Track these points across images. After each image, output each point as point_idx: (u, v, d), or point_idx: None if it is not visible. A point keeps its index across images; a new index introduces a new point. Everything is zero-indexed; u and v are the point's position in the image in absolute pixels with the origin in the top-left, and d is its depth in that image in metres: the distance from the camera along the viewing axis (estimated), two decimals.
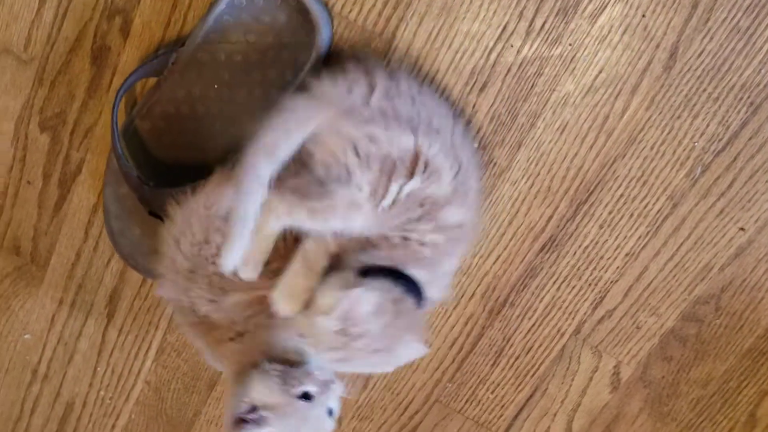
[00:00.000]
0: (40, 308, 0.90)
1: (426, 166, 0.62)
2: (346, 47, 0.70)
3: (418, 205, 0.63)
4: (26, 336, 0.92)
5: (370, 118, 0.62)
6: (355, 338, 0.60)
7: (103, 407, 0.94)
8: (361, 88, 0.63)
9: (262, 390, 0.62)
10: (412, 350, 0.64)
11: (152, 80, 0.74)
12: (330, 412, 0.65)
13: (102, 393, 0.93)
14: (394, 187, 0.62)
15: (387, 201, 0.62)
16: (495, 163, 0.72)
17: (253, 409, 0.62)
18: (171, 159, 0.75)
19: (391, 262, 0.63)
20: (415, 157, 0.62)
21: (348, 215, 0.62)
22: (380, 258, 0.63)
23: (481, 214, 0.73)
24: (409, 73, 0.70)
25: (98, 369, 0.92)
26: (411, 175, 0.62)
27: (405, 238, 0.64)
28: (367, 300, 0.59)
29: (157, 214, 0.73)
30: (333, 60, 0.70)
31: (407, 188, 0.62)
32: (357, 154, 0.61)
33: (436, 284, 0.66)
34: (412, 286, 0.63)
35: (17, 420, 0.98)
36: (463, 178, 0.65)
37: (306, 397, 0.62)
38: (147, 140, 0.75)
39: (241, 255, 0.61)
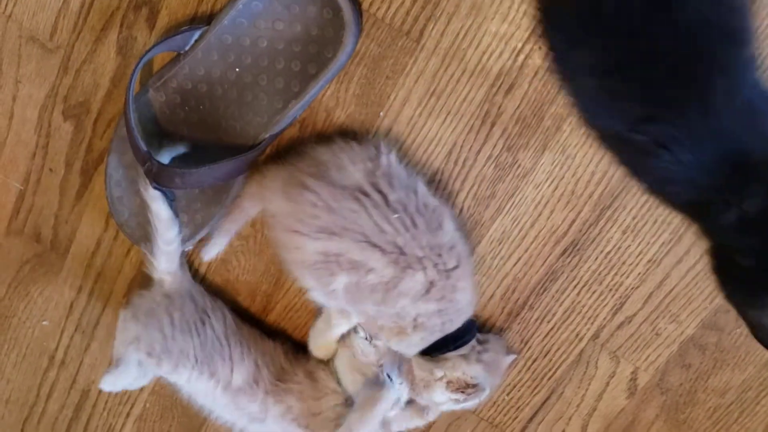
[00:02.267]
0: (58, 295, 0.90)
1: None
2: (373, 48, 0.70)
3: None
4: (44, 322, 0.93)
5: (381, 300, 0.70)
6: None
7: (119, 396, 0.95)
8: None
9: None
10: None
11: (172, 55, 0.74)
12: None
13: None
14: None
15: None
16: (519, 165, 0.72)
17: None
18: (181, 136, 0.75)
19: None
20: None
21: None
22: None
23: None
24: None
25: None
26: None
27: None
28: None
29: (160, 189, 0.73)
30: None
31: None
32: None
33: None
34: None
35: (33, 405, 0.98)
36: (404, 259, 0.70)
37: None
38: (159, 113, 0.75)
39: None
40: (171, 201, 0.75)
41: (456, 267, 0.71)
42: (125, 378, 0.79)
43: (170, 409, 0.94)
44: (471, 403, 0.76)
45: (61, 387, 0.96)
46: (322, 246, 0.68)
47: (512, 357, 0.80)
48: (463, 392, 0.74)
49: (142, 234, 0.78)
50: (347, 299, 0.71)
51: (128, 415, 0.96)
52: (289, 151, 0.75)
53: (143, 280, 0.86)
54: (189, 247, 0.79)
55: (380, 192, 0.68)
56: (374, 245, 0.67)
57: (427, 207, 0.70)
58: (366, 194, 0.68)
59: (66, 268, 0.88)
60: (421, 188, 0.71)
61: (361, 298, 0.70)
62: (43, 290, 0.91)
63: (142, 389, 0.93)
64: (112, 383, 0.79)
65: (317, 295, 0.73)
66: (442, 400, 0.76)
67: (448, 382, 0.74)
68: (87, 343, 0.92)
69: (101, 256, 0.86)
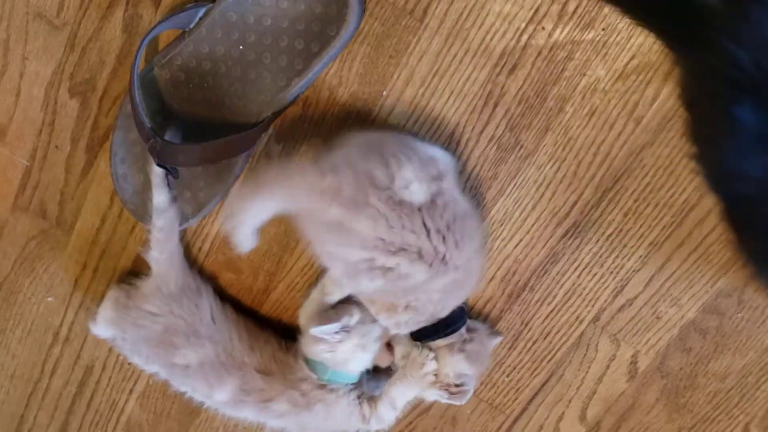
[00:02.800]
0: (63, 272, 0.91)
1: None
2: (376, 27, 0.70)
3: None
4: (49, 299, 0.93)
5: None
6: None
7: (122, 372, 0.95)
8: None
9: None
10: None
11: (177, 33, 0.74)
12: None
13: (121, 358, 0.94)
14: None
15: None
16: (521, 147, 0.72)
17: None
18: (185, 113, 0.75)
19: None
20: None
21: None
22: None
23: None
24: None
25: None
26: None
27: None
28: None
29: (164, 166, 0.73)
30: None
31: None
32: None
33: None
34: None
35: (37, 381, 0.99)
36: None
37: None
38: (164, 90, 0.75)
39: None
40: (174, 178, 0.75)
41: (476, 271, 0.73)
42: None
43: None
44: (455, 402, 0.77)
45: (65, 363, 0.97)
46: (371, 256, 0.67)
47: (497, 339, 0.81)
48: (447, 390, 0.76)
49: (146, 211, 0.79)
50: (371, 291, 0.71)
51: (131, 391, 0.96)
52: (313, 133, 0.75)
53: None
54: (193, 223, 0.79)
55: (442, 216, 0.67)
56: (425, 261, 0.67)
57: (467, 217, 0.70)
58: (430, 217, 0.67)
59: (71, 244, 0.89)
60: (463, 201, 0.71)
61: (385, 292, 0.71)
62: (49, 266, 0.91)
63: None
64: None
65: (337, 276, 0.73)
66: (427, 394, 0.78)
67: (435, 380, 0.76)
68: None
69: (106, 232, 0.87)
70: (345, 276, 0.70)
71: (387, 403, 0.78)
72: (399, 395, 0.78)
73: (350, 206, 0.65)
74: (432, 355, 0.75)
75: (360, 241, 0.66)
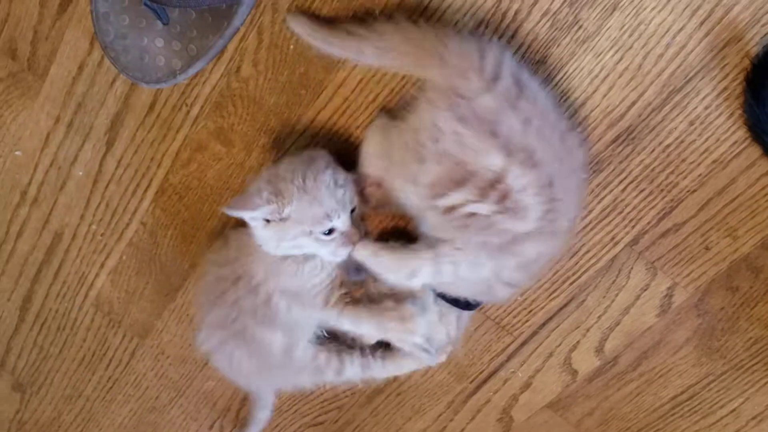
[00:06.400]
0: (34, 124, 0.80)
1: (505, 197, 0.56)
2: None
3: (489, 231, 0.58)
4: (17, 152, 0.83)
5: (465, 118, 0.55)
6: None
7: (94, 243, 0.86)
8: (481, 76, 0.56)
9: None
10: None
11: None
12: None
13: (94, 227, 0.84)
14: (456, 196, 0.57)
15: (443, 202, 0.58)
16: (580, 27, 0.60)
17: None
18: None
19: None
20: (495, 182, 0.56)
21: (405, 184, 0.60)
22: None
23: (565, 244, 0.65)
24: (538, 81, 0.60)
25: (92, 201, 0.83)
26: (481, 197, 0.57)
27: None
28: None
29: (152, 6, 0.61)
30: None
31: (472, 207, 0.57)
32: (436, 142, 0.57)
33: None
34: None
35: (2, 242, 0.90)
36: (554, 216, 0.58)
37: None
38: None
39: None
40: (164, 24, 0.64)
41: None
42: None
43: (148, 264, 0.85)
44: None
45: (32, 226, 0.87)
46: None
47: None
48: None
49: (129, 61, 0.67)
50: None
51: (102, 265, 0.87)
52: None
53: (128, 117, 0.75)
54: (181, 80, 0.68)
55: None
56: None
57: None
58: None
59: (44, 92, 0.77)
60: None
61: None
62: (17, 116, 0.80)
63: (119, 240, 0.84)
64: None
65: None
66: None
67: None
68: (63, 181, 0.82)
69: (83, 83, 0.75)
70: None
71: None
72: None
73: None
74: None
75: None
